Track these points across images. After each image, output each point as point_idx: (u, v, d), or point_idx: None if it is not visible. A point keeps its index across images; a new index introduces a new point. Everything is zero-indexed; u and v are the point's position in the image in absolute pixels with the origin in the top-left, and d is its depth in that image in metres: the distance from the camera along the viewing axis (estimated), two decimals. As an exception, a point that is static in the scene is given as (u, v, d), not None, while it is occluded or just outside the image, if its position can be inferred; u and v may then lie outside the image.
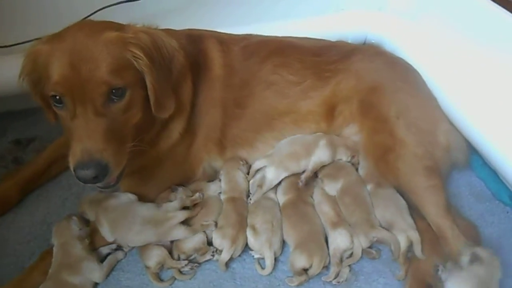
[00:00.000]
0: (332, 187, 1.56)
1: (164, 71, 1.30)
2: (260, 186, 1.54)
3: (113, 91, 1.20)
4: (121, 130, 1.24)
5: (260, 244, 1.38)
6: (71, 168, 1.18)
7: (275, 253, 1.39)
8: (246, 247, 1.44)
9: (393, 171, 1.48)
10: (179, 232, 1.38)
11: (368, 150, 1.56)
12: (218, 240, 1.39)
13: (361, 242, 1.40)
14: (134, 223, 1.37)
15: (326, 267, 1.38)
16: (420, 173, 1.45)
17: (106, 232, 1.38)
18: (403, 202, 1.48)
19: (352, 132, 1.64)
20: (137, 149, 1.30)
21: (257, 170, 1.59)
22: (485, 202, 1.62)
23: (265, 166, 1.57)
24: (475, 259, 1.26)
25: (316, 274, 1.35)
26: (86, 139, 1.16)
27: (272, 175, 1.55)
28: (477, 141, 1.56)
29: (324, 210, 1.50)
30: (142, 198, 1.49)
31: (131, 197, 1.45)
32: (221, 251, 1.38)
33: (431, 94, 1.69)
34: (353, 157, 1.62)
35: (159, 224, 1.37)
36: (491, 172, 1.66)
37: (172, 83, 1.36)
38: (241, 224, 1.43)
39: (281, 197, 1.55)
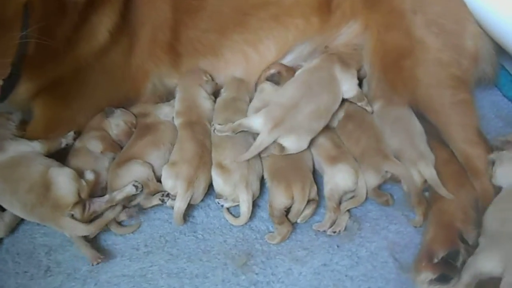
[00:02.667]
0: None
1: None
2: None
3: None
4: None
5: (232, 186, 1.00)
6: None
7: (253, 196, 1.02)
8: (212, 191, 1.06)
9: (410, 81, 1.10)
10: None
11: (377, 55, 1.16)
12: (169, 182, 0.99)
13: (370, 179, 1.04)
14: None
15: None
16: (446, 84, 1.08)
17: None
18: (418, 126, 1.10)
19: (353, 32, 1.23)
20: (44, 46, 0.85)
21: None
22: (515, 126, 1.28)
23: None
24: None
25: (301, 212, 1.00)
26: None
27: (296, 144, 1.05)
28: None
29: (319, 141, 1.10)
30: (63, 126, 1.06)
31: (36, 146, 1.00)
32: (174, 196, 0.99)
33: (454, -14, 1.27)
34: (359, 70, 1.21)
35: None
36: (522, 91, 1.31)
37: None
38: (202, 158, 1.03)
39: None
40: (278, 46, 1.23)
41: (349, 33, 1.24)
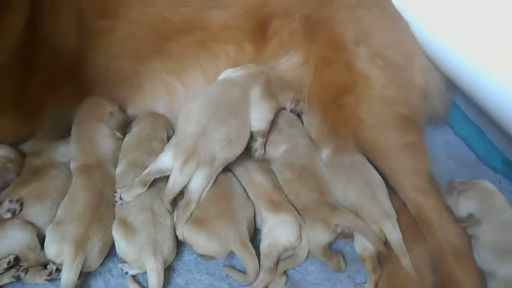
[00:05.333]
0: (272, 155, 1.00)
1: None
2: (187, 203, 0.86)
3: None
4: None
5: (137, 250, 0.79)
6: None
7: (165, 260, 0.81)
8: (114, 251, 0.84)
9: (352, 122, 0.96)
10: None
11: (314, 92, 1.02)
12: (52, 247, 0.77)
13: (319, 235, 0.86)
14: None
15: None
16: (392, 124, 0.95)
17: None
18: (377, 176, 0.94)
19: (294, 64, 1.08)
20: None
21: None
22: (470, 168, 1.16)
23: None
24: None
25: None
26: None
27: (203, 180, 0.86)
28: (466, 78, 1.07)
29: (256, 180, 0.93)
30: None
31: None
32: (61, 265, 0.77)
33: (399, 14, 1.17)
34: (297, 102, 1.06)
35: None
36: (475, 129, 1.22)
37: None
38: (96, 212, 0.82)
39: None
40: (207, 76, 1.06)
41: (288, 65, 1.09)
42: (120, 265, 0.82)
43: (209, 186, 0.86)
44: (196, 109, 0.91)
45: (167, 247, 0.82)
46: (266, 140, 0.96)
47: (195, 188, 0.84)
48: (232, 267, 0.87)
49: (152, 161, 0.90)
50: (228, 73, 1.02)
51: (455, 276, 0.86)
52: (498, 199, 0.92)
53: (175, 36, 1.03)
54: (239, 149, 0.90)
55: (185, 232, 0.83)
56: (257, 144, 0.95)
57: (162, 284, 0.79)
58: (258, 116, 0.95)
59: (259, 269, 0.82)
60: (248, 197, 0.91)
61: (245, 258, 0.81)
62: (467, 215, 0.91)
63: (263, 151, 0.95)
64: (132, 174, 0.88)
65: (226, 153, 0.87)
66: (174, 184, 0.84)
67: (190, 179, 0.84)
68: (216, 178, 0.88)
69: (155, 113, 1.03)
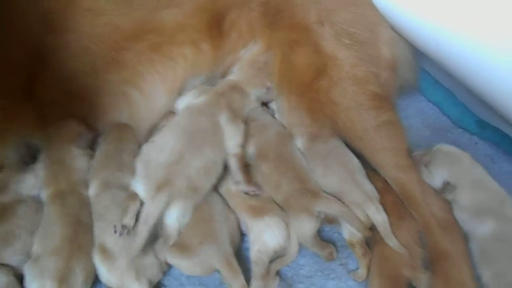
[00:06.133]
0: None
1: None
2: (165, 239, 0.81)
3: None
4: None
5: (119, 276, 0.77)
6: None
7: (151, 282, 0.79)
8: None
9: (327, 106, 0.93)
10: None
11: (285, 80, 0.99)
12: (33, 286, 0.73)
13: (305, 225, 0.84)
14: None
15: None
16: (366, 105, 0.93)
17: None
18: (354, 159, 0.94)
19: (256, 55, 1.04)
20: None
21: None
22: (445, 133, 1.17)
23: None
24: None
25: None
26: None
27: (179, 213, 0.82)
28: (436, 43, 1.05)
29: (233, 190, 0.91)
30: None
31: None
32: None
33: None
34: (267, 89, 1.02)
35: None
36: (447, 93, 1.21)
37: None
38: (75, 241, 0.78)
39: None
40: (166, 83, 1.01)
41: (251, 54, 1.04)
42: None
43: (187, 218, 0.82)
44: (169, 139, 0.87)
45: (151, 270, 0.79)
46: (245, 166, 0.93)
47: (171, 223, 0.80)
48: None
49: (126, 176, 0.86)
50: (187, 100, 0.97)
51: (443, 247, 0.87)
52: (464, 159, 0.93)
53: (128, 44, 0.97)
54: (214, 178, 0.88)
55: (168, 259, 0.81)
56: (237, 177, 0.91)
57: None
58: (231, 142, 0.92)
59: (245, 284, 0.79)
60: (229, 208, 0.88)
61: (230, 276, 0.79)
62: (443, 184, 0.92)
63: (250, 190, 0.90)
64: (107, 194, 0.84)
65: (203, 182, 0.84)
66: (147, 216, 0.79)
67: (165, 212, 0.81)
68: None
69: (120, 124, 0.98)
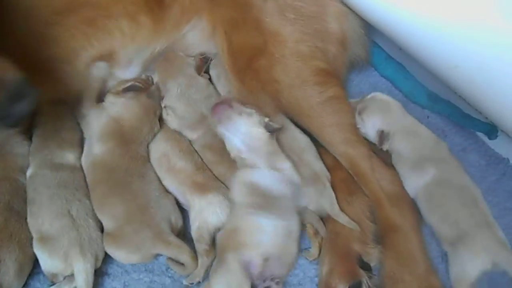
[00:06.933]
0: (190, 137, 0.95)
1: None
2: None
3: None
4: None
5: (63, 257, 0.74)
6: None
7: (96, 259, 0.77)
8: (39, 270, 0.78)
9: (269, 85, 0.91)
10: None
11: (228, 60, 0.95)
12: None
13: None
14: None
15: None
16: (311, 81, 0.91)
17: None
18: (302, 137, 0.92)
19: (201, 34, 1.00)
20: None
21: None
22: (397, 108, 1.16)
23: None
24: None
25: None
26: None
27: None
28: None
29: (177, 166, 0.88)
30: None
31: None
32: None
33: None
34: (202, 60, 1.00)
35: None
36: (399, 67, 1.20)
37: None
38: (4, 230, 0.75)
39: (96, 148, 0.87)
40: (103, 57, 0.96)
41: (195, 35, 1.00)
42: (52, 288, 0.77)
43: None
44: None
45: (96, 245, 0.77)
46: None
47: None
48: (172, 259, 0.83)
49: (67, 153, 0.85)
50: None
51: (392, 221, 0.87)
52: (396, 107, 0.97)
53: (59, 19, 0.90)
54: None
55: (106, 249, 0.78)
56: None
57: (91, 285, 0.74)
58: None
59: (194, 255, 0.79)
60: (164, 190, 0.86)
61: (175, 253, 0.77)
62: (377, 133, 0.94)
63: None
64: (39, 176, 0.82)
65: None
66: None
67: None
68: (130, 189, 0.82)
69: (56, 102, 0.93)
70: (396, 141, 0.92)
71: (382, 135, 0.92)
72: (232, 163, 0.86)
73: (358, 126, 0.94)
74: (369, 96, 0.97)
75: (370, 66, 1.23)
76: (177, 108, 0.94)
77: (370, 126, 0.94)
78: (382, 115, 0.94)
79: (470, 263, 0.76)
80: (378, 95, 0.98)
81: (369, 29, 1.11)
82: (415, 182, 0.88)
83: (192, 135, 0.93)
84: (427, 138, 0.92)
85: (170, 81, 0.97)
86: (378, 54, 1.22)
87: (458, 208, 0.82)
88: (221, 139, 0.85)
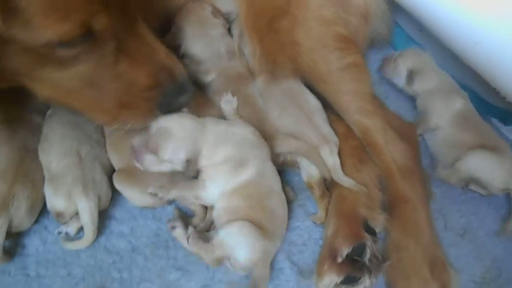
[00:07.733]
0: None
1: None
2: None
3: None
4: None
5: (66, 194, 0.74)
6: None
7: (100, 201, 0.77)
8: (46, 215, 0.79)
9: (289, 47, 0.90)
10: None
11: (249, 20, 0.95)
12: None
13: None
14: None
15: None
16: (331, 46, 0.90)
17: None
18: (313, 101, 0.91)
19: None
20: None
21: None
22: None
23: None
24: None
25: None
26: None
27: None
28: None
29: None
30: None
31: None
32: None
33: None
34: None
35: None
36: (418, 49, 1.20)
37: None
38: (20, 167, 0.75)
39: None
40: None
41: None
42: (57, 231, 0.78)
43: None
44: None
45: (101, 186, 0.78)
46: None
47: None
48: (180, 209, 0.84)
49: None
50: None
51: (402, 193, 0.87)
52: (427, 56, 1.06)
53: None
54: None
55: (117, 186, 0.79)
56: None
57: (95, 225, 0.76)
58: None
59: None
60: None
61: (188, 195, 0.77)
62: (407, 73, 1.03)
63: None
64: (57, 116, 0.82)
65: None
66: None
67: None
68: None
69: None
70: (427, 78, 1.02)
71: (412, 74, 1.02)
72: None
73: (388, 71, 1.07)
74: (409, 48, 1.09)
75: (389, 45, 1.22)
76: (194, 49, 0.94)
77: (402, 67, 1.04)
78: (415, 57, 1.05)
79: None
80: (418, 49, 1.08)
81: (393, 7, 1.11)
82: (449, 110, 0.96)
83: (206, 78, 0.93)
84: (449, 78, 1.04)
85: (184, 22, 0.96)
86: (399, 34, 1.21)
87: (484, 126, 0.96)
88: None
